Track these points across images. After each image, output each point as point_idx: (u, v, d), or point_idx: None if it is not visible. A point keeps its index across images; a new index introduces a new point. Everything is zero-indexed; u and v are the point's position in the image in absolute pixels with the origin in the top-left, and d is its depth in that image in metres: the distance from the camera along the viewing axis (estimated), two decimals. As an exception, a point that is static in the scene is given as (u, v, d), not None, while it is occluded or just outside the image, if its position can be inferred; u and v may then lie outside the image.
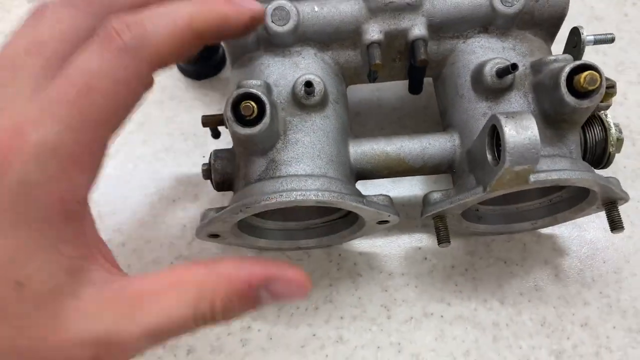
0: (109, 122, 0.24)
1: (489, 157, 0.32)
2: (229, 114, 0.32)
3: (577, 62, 0.32)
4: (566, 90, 0.32)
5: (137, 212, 0.44)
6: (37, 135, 0.22)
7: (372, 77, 0.39)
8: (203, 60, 0.49)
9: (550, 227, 0.43)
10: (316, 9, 0.37)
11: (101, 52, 0.24)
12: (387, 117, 0.48)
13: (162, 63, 0.26)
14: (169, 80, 0.50)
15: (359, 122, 0.48)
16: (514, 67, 0.33)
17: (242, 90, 0.32)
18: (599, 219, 0.43)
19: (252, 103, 0.31)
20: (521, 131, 0.30)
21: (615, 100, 0.45)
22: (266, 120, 0.32)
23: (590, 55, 0.48)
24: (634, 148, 0.46)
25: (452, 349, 0.41)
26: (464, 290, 0.42)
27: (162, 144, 0.47)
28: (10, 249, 0.22)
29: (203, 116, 0.39)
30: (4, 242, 0.22)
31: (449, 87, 0.39)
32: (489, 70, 0.35)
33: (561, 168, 0.33)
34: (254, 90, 0.32)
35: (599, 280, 0.42)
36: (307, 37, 0.37)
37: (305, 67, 0.37)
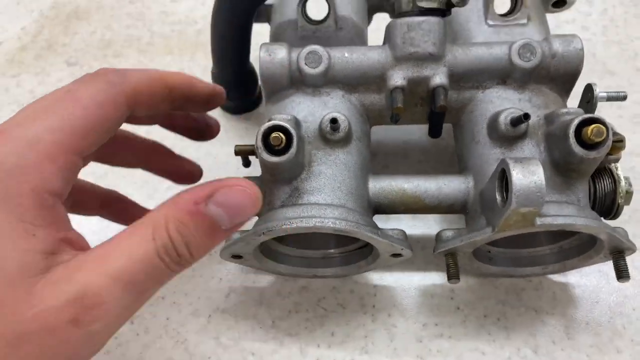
0: (84, 134, 0.29)
1: (498, 198, 0.34)
2: (260, 143, 0.35)
3: (586, 116, 0.34)
4: (574, 141, 0.34)
5: None
6: (19, 130, 0.27)
7: (394, 120, 0.42)
8: (242, 96, 0.53)
9: (579, 276, 0.44)
10: (346, 54, 0.41)
11: (91, 79, 0.31)
12: (408, 157, 0.50)
13: (136, 99, 0.32)
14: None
15: (381, 161, 0.50)
16: (526, 116, 0.35)
17: (272, 123, 0.35)
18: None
19: (281, 134, 0.35)
20: (528, 175, 0.32)
21: (632, 151, 0.47)
22: (292, 150, 0.35)
23: (606, 108, 0.51)
24: (649, 200, 0.47)
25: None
26: (497, 340, 0.42)
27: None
28: None
29: (236, 146, 0.42)
30: None
31: (467, 133, 0.41)
32: (504, 119, 0.37)
33: (567, 214, 0.34)
34: (282, 123, 0.35)
35: (630, 328, 0.42)
36: (336, 79, 0.41)
37: (333, 106, 0.40)
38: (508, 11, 0.45)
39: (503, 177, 0.34)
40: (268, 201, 0.38)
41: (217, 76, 0.50)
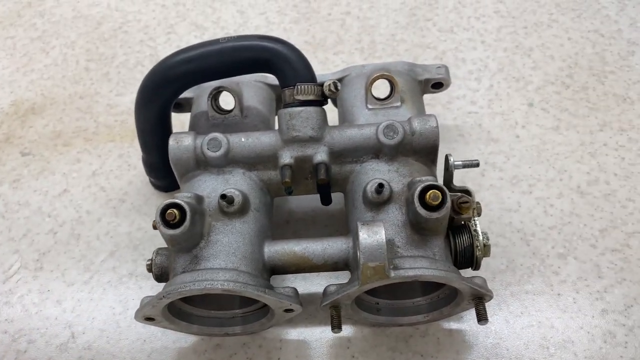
0: None
1: (358, 256, 0.40)
2: (158, 219, 0.42)
3: (426, 183, 0.41)
4: (418, 204, 0.41)
5: (104, 331, 0.51)
6: None
7: (287, 192, 0.49)
8: (170, 175, 0.60)
9: (460, 323, 0.50)
10: (243, 139, 0.48)
11: None
12: (316, 223, 0.57)
13: None
14: (141, 199, 0.61)
15: (292, 227, 0.57)
16: (381, 185, 0.43)
17: (168, 201, 0.42)
18: (502, 312, 0.50)
19: (175, 210, 0.41)
20: (372, 235, 0.38)
21: (510, 208, 0.54)
22: (186, 224, 0.41)
23: (488, 171, 0.58)
24: (528, 248, 0.53)
25: None
26: None
27: (127, 270, 0.55)
28: None
29: (153, 221, 0.49)
30: None
31: (349, 200, 0.48)
32: (370, 187, 0.44)
33: (420, 266, 0.41)
34: (176, 201, 0.42)
35: None
36: (236, 159, 0.48)
37: (233, 183, 0.48)
38: (386, 96, 0.53)
39: (357, 238, 0.40)
40: (173, 268, 0.44)
41: (145, 160, 0.58)
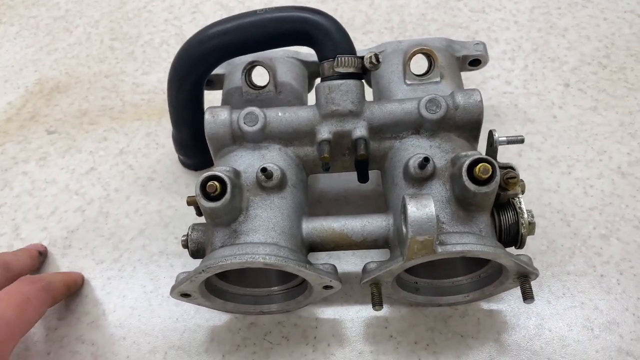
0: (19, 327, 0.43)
1: (404, 230, 0.39)
2: (198, 191, 0.41)
3: (476, 157, 0.40)
4: (467, 178, 0.40)
5: (135, 309, 0.51)
6: None
7: (325, 168, 0.47)
8: (200, 154, 0.59)
9: (501, 303, 0.49)
10: (280, 114, 0.47)
11: (29, 285, 0.45)
12: (349, 203, 0.56)
13: (56, 298, 0.48)
14: (170, 177, 0.60)
15: (325, 207, 0.56)
16: (426, 159, 0.41)
17: (208, 173, 0.41)
18: (543, 293, 0.49)
19: (216, 183, 0.40)
20: (421, 208, 0.37)
21: (550, 189, 0.53)
22: (227, 196, 0.40)
23: (525, 152, 0.57)
24: (569, 228, 0.52)
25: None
26: None
27: (158, 248, 0.54)
28: None
29: (188, 197, 0.48)
30: None
31: (388, 177, 0.47)
32: (413, 163, 0.43)
33: (466, 242, 0.39)
34: (217, 173, 0.40)
35: (546, 348, 0.46)
36: (273, 135, 0.47)
37: (270, 158, 0.46)
38: (425, 72, 0.52)
39: (405, 212, 0.39)
40: (211, 242, 0.43)
41: (176, 137, 0.57)
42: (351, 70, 0.46)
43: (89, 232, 0.56)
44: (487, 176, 0.39)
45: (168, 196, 0.58)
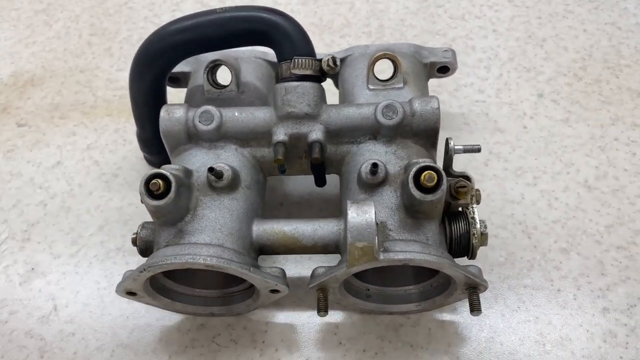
0: None
1: (346, 235, 0.39)
2: (142, 189, 0.40)
3: (422, 164, 0.39)
4: (413, 185, 0.39)
5: (87, 305, 0.50)
6: None
7: (281, 170, 0.47)
8: (163, 151, 0.58)
9: (454, 314, 0.48)
10: (236, 114, 0.47)
11: None
12: (312, 207, 0.55)
13: None
14: (134, 174, 0.59)
15: (287, 210, 0.55)
16: (375, 165, 0.41)
17: (153, 171, 0.40)
18: (498, 305, 0.48)
19: (160, 181, 0.40)
20: (361, 214, 0.36)
21: (513, 200, 0.52)
22: (171, 195, 0.40)
23: (492, 161, 0.56)
24: (529, 241, 0.51)
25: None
26: None
27: (115, 244, 0.54)
28: None
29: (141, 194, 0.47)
30: None
31: (344, 181, 0.46)
32: (364, 168, 0.43)
33: (411, 250, 0.39)
34: (162, 171, 0.40)
35: None
36: (229, 135, 0.46)
37: (225, 158, 0.46)
38: (389, 77, 0.51)
39: (345, 217, 0.38)
40: (157, 241, 0.43)
41: (139, 135, 0.56)
42: (308, 72, 0.45)
43: (49, 226, 0.56)
44: (432, 184, 0.39)
45: (130, 193, 0.58)
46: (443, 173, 0.39)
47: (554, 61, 0.65)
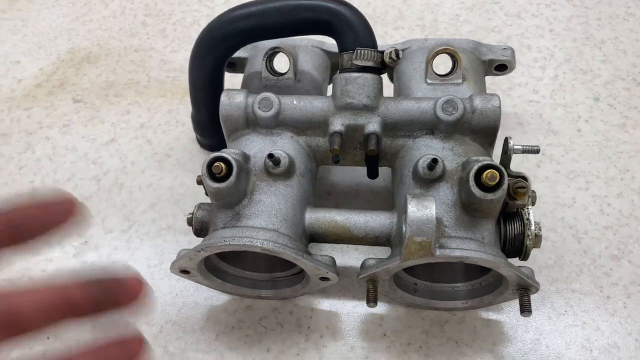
0: None
1: (403, 229, 0.39)
2: (204, 171, 0.41)
3: (485, 162, 0.39)
4: (473, 183, 0.39)
5: None
6: None
7: (335, 160, 0.47)
8: (217, 135, 0.59)
9: (500, 314, 0.48)
10: (295, 102, 0.47)
11: None
12: (359, 197, 0.56)
13: None
14: (186, 155, 0.60)
15: (334, 199, 0.56)
16: (435, 160, 0.41)
17: (216, 154, 0.41)
18: (545, 308, 0.48)
19: (222, 164, 0.41)
20: (421, 209, 0.37)
21: (565, 204, 0.52)
22: (232, 178, 0.41)
23: (544, 163, 0.55)
24: (579, 245, 0.51)
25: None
26: None
27: (167, 223, 0.55)
28: None
29: (198, 176, 0.48)
30: None
31: (397, 175, 0.46)
32: (422, 163, 0.43)
33: (467, 248, 0.39)
34: (224, 155, 0.41)
35: None
36: (286, 122, 0.47)
37: (281, 145, 0.46)
38: (447, 72, 0.51)
39: (405, 211, 0.39)
40: (214, 223, 0.44)
41: (194, 117, 0.57)
42: (370, 64, 0.45)
43: (102, 201, 0.58)
44: (494, 183, 0.38)
45: (182, 174, 0.59)
46: (505, 172, 0.39)
47: (612, 64, 0.64)
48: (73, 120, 0.65)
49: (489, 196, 0.39)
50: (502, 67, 0.55)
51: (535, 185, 0.54)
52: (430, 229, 0.36)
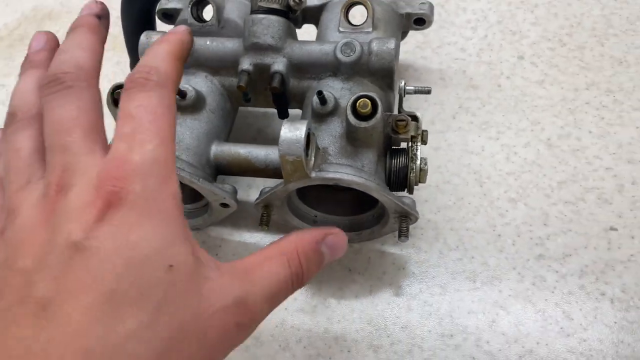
0: (172, 137, 0.31)
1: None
2: (109, 99, 0.45)
3: (361, 93, 0.42)
4: (350, 112, 0.42)
5: None
6: (139, 156, 0.28)
7: (245, 99, 0.51)
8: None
9: (395, 247, 0.51)
10: (207, 42, 0.50)
11: (148, 91, 0.32)
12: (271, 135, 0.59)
13: (176, 87, 0.35)
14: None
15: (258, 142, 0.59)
16: (319, 92, 0.44)
17: (119, 82, 0.44)
18: (438, 244, 0.51)
19: (124, 92, 0.44)
20: (293, 130, 0.40)
21: (472, 151, 0.54)
22: (133, 106, 0.44)
23: (460, 115, 0.58)
24: (480, 189, 0.53)
25: (288, 335, 0.48)
26: (310, 289, 0.50)
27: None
28: (162, 238, 0.26)
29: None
30: (158, 231, 0.26)
31: (303, 114, 0.50)
32: (315, 98, 0.46)
33: (342, 172, 0.42)
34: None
35: (425, 291, 0.48)
36: (200, 62, 0.50)
37: (194, 83, 0.50)
38: (361, 23, 0.54)
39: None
40: (123, 150, 0.47)
41: (131, 64, 0.61)
42: (274, 6, 0.48)
43: (46, 142, 0.62)
44: (366, 111, 0.41)
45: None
46: (379, 102, 0.42)
47: (542, 26, 0.66)
48: (28, 70, 0.69)
49: (363, 124, 0.42)
50: (420, 21, 0.58)
51: (447, 134, 0.57)
52: (298, 148, 0.39)
